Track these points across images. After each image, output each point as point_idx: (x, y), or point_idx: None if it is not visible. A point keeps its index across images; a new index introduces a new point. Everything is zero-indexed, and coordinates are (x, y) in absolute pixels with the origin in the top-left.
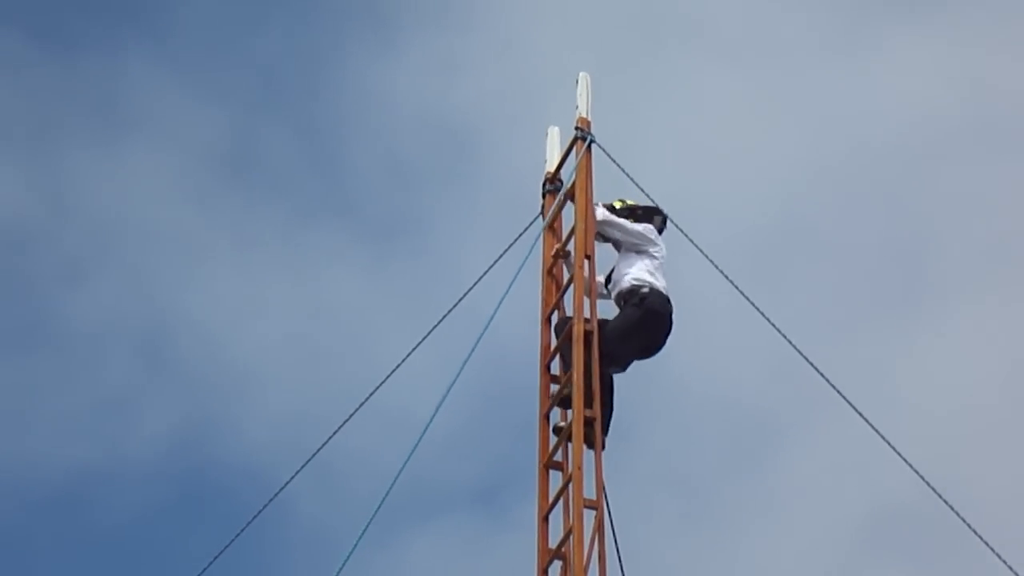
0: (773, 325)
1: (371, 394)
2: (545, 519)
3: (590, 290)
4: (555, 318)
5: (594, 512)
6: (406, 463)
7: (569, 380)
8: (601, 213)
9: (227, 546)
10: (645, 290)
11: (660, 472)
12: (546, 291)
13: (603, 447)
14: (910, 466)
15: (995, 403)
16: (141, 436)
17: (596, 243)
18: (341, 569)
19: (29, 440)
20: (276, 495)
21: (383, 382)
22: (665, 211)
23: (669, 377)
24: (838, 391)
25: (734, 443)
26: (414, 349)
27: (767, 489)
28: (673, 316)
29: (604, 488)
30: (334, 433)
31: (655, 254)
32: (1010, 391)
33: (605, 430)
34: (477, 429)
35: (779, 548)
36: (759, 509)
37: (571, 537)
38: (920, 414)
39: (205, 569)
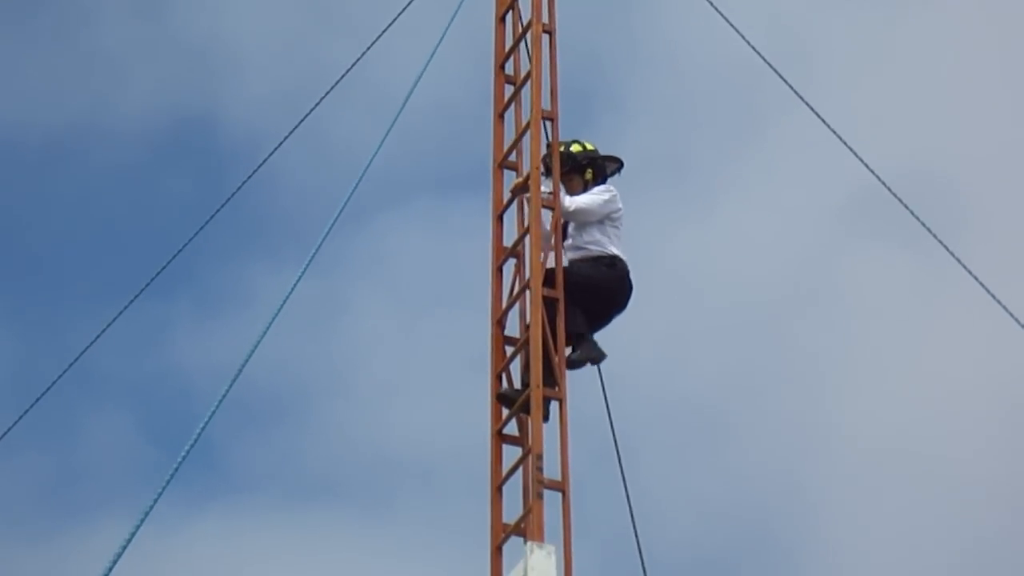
0: (741, 35)
1: (357, 60)
2: (500, 218)
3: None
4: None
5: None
6: (386, 136)
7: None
8: (568, 201)
9: (220, 208)
10: (607, 259)
11: (650, 150)
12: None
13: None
14: (866, 166)
15: (987, 79)
16: (133, 94)
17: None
18: (327, 235)
19: (20, 95)
20: (268, 157)
21: (366, 51)
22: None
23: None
24: (800, 96)
25: (721, 128)
26: (391, 24)
27: (754, 171)
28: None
29: None
30: (325, 95)
31: (615, 218)
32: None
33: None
34: (474, 112)
35: (765, 225)
36: (746, 188)
37: (527, 237)
38: (911, 90)
39: (202, 227)
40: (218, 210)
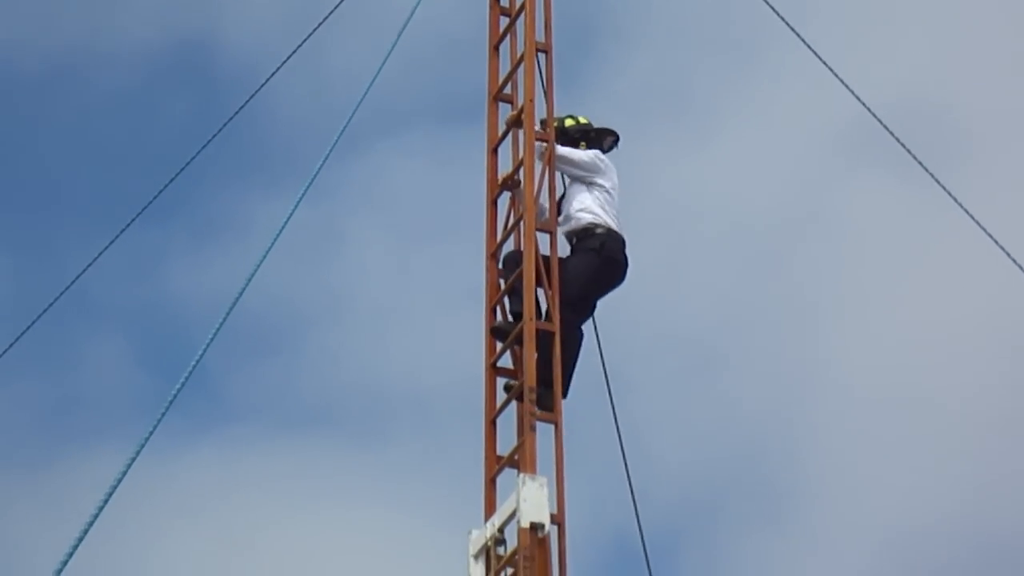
0: None
1: None
2: (495, 151)
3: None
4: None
5: (544, 145)
6: (384, 63)
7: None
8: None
9: (216, 133)
10: (601, 231)
11: (650, 81)
12: None
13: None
14: (859, 100)
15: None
16: (132, 17)
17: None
18: (323, 163)
19: (18, 18)
20: (267, 81)
21: None
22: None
23: None
24: (796, 32)
25: (720, 59)
26: None
27: (753, 102)
28: (627, 252)
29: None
30: (324, 19)
31: (605, 185)
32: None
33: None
34: (473, 43)
35: (763, 156)
36: (745, 120)
37: (521, 168)
38: (913, 20)
39: (199, 151)
40: (214, 135)
